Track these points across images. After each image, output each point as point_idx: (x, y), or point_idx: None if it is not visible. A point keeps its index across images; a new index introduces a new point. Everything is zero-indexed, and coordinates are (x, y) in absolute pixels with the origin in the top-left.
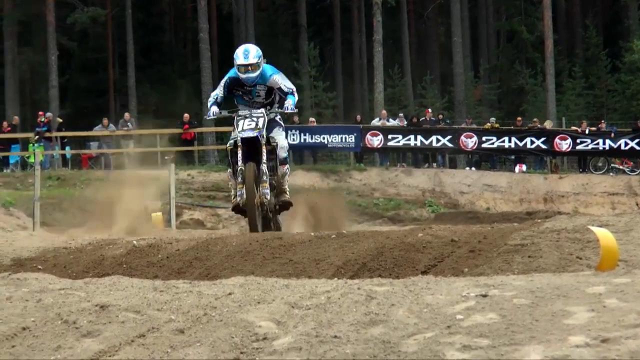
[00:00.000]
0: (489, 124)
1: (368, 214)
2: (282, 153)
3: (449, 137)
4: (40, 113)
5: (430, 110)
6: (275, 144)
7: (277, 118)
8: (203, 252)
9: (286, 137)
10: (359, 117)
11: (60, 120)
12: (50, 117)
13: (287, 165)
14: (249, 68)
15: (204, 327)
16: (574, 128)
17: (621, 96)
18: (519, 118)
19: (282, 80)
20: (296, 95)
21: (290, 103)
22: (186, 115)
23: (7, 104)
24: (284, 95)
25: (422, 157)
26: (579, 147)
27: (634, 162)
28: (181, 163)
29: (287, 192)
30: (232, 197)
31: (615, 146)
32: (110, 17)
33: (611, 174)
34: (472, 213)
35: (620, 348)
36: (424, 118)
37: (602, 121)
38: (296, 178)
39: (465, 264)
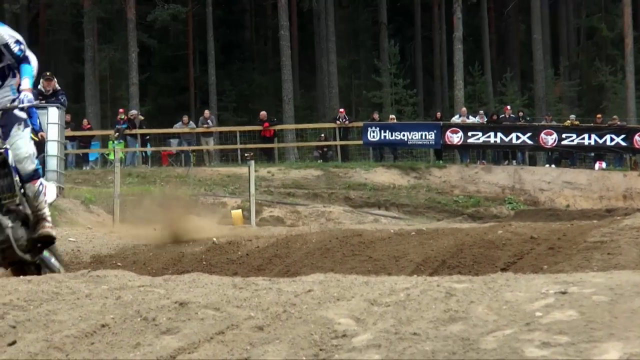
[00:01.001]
0: (568, 121)
1: (448, 211)
2: (28, 165)
3: (528, 134)
4: (121, 110)
5: (509, 107)
6: (3, 150)
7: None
8: (282, 249)
9: (366, 133)
10: (439, 114)
11: (142, 118)
12: (135, 115)
13: (39, 181)
14: None
15: (283, 324)
16: None
17: None
18: (599, 115)
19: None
20: (34, 63)
21: (26, 86)
22: (263, 112)
23: (87, 101)
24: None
25: (502, 154)
26: None
27: None
28: (261, 160)
29: (48, 220)
30: None
31: None
32: (190, 15)
33: None
34: (551, 210)
35: None
36: (503, 115)
37: None
38: (376, 175)
39: (545, 261)
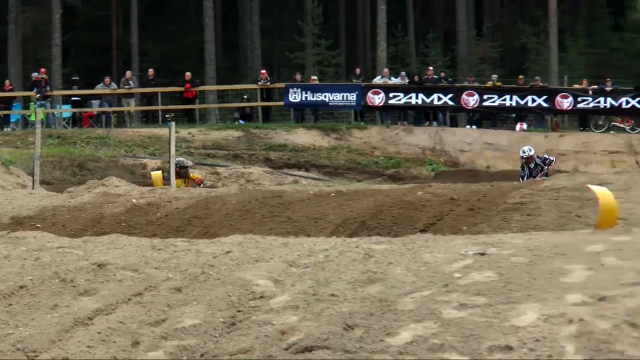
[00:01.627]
0: (490, 83)
1: (368, 172)
2: None
3: (450, 95)
4: (42, 70)
5: (432, 69)
6: None
7: None
8: (202, 210)
9: (287, 95)
10: (358, 71)
11: (76, 80)
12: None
13: None
14: None
15: (201, 286)
16: (576, 86)
17: (624, 55)
18: (521, 77)
19: None
20: None
21: None
22: (188, 74)
23: (9, 62)
24: None
25: (424, 116)
26: (580, 106)
27: (635, 121)
28: (182, 122)
29: None
30: None
31: (616, 105)
32: None
33: (612, 132)
34: (472, 172)
35: (617, 307)
36: (426, 77)
37: (608, 80)
38: (297, 137)
39: (465, 223)
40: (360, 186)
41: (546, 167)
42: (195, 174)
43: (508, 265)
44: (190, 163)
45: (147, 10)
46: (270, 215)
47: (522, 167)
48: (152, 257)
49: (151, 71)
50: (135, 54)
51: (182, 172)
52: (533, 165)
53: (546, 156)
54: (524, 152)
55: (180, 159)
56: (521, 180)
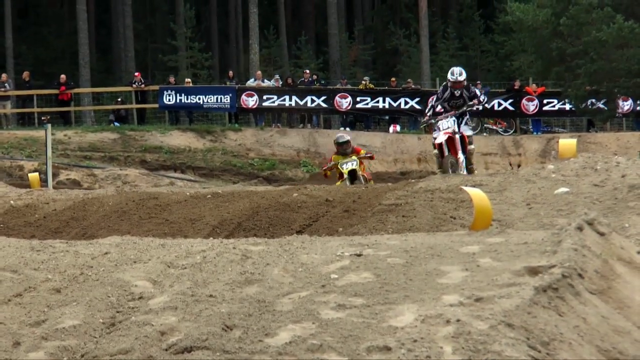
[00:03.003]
0: (363, 84)
1: (243, 174)
2: None
3: (323, 97)
4: None
5: (308, 71)
6: None
7: None
8: (80, 212)
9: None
10: (231, 73)
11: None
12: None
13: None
14: None
15: (80, 287)
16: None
17: (494, 57)
18: (394, 79)
19: None
20: None
21: None
22: (62, 76)
23: None
24: None
25: (297, 118)
26: None
27: (507, 123)
28: (58, 124)
29: None
30: None
31: (488, 106)
32: None
33: (484, 134)
34: None
35: (493, 307)
36: (302, 79)
37: (478, 82)
38: (172, 139)
39: (340, 224)
40: (235, 188)
41: (473, 103)
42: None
43: (384, 266)
44: (347, 137)
45: (20, 13)
46: (147, 216)
47: (443, 89)
48: (30, 258)
49: (26, 73)
50: (10, 57)
51: (342, 149)
52: (458, 92)
53: (477, 91)
54: (453, 75)
55: (339, 134)
56: (430, 103)
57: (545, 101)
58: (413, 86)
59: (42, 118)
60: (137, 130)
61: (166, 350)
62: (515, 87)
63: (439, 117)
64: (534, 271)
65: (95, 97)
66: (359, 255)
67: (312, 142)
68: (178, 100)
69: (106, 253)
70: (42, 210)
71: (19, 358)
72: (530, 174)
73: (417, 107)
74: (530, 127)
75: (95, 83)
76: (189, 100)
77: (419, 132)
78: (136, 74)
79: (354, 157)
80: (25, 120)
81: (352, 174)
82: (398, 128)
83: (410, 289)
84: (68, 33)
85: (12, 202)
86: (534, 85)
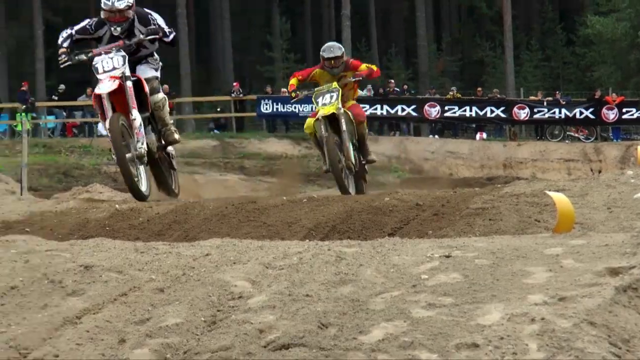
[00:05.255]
0: (450, 94)
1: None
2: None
3: (413, 106)
4: (24, 83)
5: (392, 81)
6: None
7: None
8: (181, 215)
9: (259, 106)
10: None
11: (61, 89)
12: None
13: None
14: None
15: (182, 287)
16: (532, 98)
17: (576, 68)
18: (479, 88)
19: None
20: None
21: None
22: (165, 86)
23: None
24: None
25: (388, 126)
26: (536, 116)
27: (588, 130)
28: None
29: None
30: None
31: (570, 115)
32: None
33: (567, 141)
34: (435, 178)
35: (576, 306)
36: (388, 89)
37: (557, 92)
38: (269, 146)
39: (430, 227)
40: (330, 192)
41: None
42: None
43: (472, 267)
44: (339, 51)
45: None
46: (246, 219)
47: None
48: (135, 259)
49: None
50: None
51: (329, 65)
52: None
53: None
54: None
55: (329, 43)
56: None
57: (624, 110)
58: (498, 96)
59: None
60: (236, 137)
61: (265, 347)
62: (596, 97)
63: None
64: (614, 272)
65: (196, 106)
66: (448, 256)
67: (402, 149)
68: (275, 109)
69: (207, 254)
70: (146, 214)
71: (124, 355)
72: (610, 179)
73: (503, 115)
74: (610, 134)
75: (196, 93)
76: (285, 109)
77: (504, 139)
78: (235, 84)
79: (334, 85)
80: None
81: (329, 118)
82: (484, 135)
83: (497, 289)
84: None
85: (117, 206)
86: (614, 94)
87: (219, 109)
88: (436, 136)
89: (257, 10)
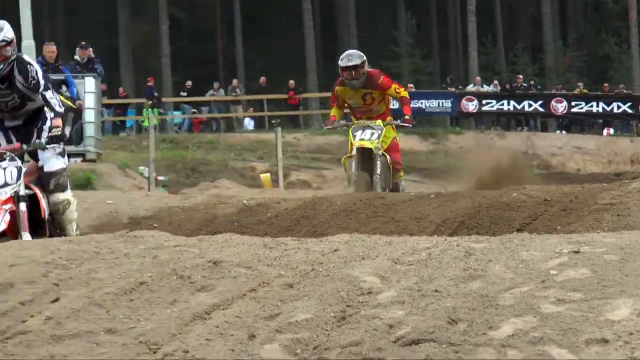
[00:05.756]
0: (577, 90)
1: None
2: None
3: (540, 102)
4: (150, 79)
5: (521, 77)
6: None
7: None
8: (310, 211)
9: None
10: (449, 79)
11: (189, 86)
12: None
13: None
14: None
15: (311, 282)
16: None
17: None
18: (606, 84)
19: None
20: None
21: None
22: (291, 81)
23: (121, 70)
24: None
25: (515, 121)
26: None
27: None
28: (287, 127)
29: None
30: None
31: None
32: None
33: None
34: (563, 174)
35: None
36: (515, 84)
37: None
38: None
39: (558, 222)
40: (458, 188)
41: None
42: None
43: (601, 262)
44: (358, 59)
45: (249, 22)
46: (374, 215)
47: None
48: (264, 255)
49: (263, 79)
50: (240, 64)
51: (349, 76)
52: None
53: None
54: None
55: (348, 52)
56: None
57: None
58: (625, 91)
59: (273, 122)
60: None
61: (394, 342)
62: None
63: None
64: None
65: (322, 101)
66: (577, 252)
67: (530, 145)
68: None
69: (336, 250)
70: (274, 209)
71: (254, 350)
72: None
73: (629, 111)
74: None
75: (322, 88)
76: (412, 105)
77: (631, 135)
78: None
79: (378, 123)
80: (256, 124)
81: (364, 152)
82: (612, 131)
83: (626, 284)
84: (295, 41)
85: (245, 201)
86: None
87: None
88: (563, 131)
89: (382, 5)
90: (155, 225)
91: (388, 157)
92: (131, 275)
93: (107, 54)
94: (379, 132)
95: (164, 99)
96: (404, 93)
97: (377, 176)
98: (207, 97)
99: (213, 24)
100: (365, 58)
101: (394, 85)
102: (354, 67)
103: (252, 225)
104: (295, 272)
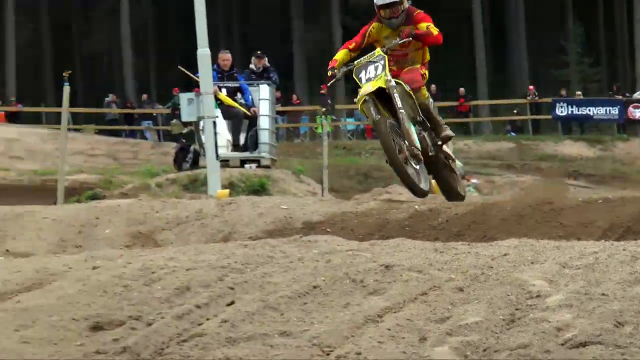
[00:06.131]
0: None
1: (632, 180)
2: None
3: None
4: (324, 86)
5: None
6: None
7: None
8: (480, 216)
9: (554, 109)
10: (615, 87)
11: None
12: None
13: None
14: None
15: (481, 286)
16: None
17: None
18: None
19: None
20: None
21: None
22: (461, 89)
23: (295, 79)
24: None
25: None
26: None
27: None
28: (458, 133)
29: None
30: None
31: None
32: None
33: None
34: None
35: None
36: None
37: None
38: (564, 147)
39: None
40: (625, 193)
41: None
42: None
43: None
44: None
45: None
46: (543, 220)
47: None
48: (434, 259)
49: (433, 86)
50: None
51: (386, 14)
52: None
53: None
54: None
55: None
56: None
57: None
58: None
59: None
60: (532, 139)
61: (562, 345)
62: None
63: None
64: None
65: (492, 108)
66: None
67: None
68: (570, 112)
69: (505, 254)
70: (445, 215)
71: (425, 352)
72: None
73: None
74: None
75: (492, 96)
76: (579, 112)
77: None
78: (530, 87)
79: (377, 53)
80: None
81: (379, 94)
82: None
83: None
84: (466, 50)
85: (416, 207)
86: None
87: (515, 111)
88: None
89: (551, 15)
90: (328, 230)
91: (402, 82)
92: (305, 279)
93: (282, 62)
94: (382, 62)
95: (337, 107)
96: (433, 29)
97: (401, 112)
98: None
99: None
100: None
101: (429, 22)
102: (393, 4)
103: (423, 230)
104: (465, 275)
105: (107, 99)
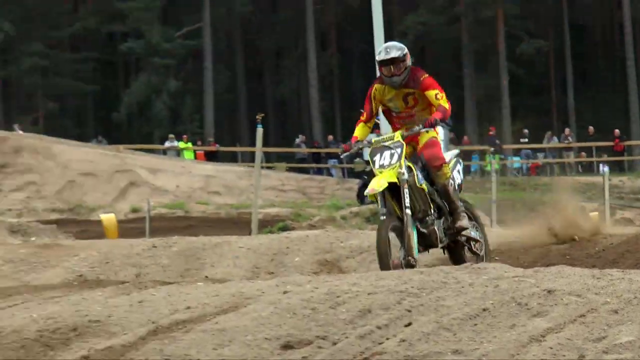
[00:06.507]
0: None
1: None
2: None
3: None
4: (492, 128)
5: None
6: None
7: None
8: (633, 245)
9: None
10: None
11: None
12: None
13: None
14: None
15: (634, 308)
16: None
17: None
18: None
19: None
20: None
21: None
22: (616, 130)
23: (466, 120)
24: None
25: None
26: None
27: None
28: (613, 170)
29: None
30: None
31: None
32: (551, 48)
33: None
34: None
35: None
36: None
37: None
38: None
39: None
40: None
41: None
42: None
43: None
44: (399, 51)
45: (580, 77)
46: None
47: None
48: (592, 284)
49: (591, 128)
50: (572, 114)
51: (387, 72)
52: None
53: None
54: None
55: (389, 43)
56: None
57: None
58: None
59: (599, 163)
60: None
61: None
62: None
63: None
64: None
65: None
66: None
67: None
68: None
69: None
70: (601, 244)
71: None
72: None
73: None
74: None
75: None
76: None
77: None
78: None
79: (397, 137)
80: (585, 168)
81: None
82: None
83: None
84: (620, 93)
85: (576, 237)
86: None
87: None
88: None
89: None
90: (496, 258)
91: (416, 174)
92: (475, 302)
93: (454, 106)
94: (399, 150)
95: (504, 146)
96: (443, 101)
97: (407, 214)
98: (543, 145)
99: (547, 79)
100: (407, 50)
101: (437, 90)
102: (394, 61)
103: (581, 258)
104: (620, 299)
105: (297, 139)
